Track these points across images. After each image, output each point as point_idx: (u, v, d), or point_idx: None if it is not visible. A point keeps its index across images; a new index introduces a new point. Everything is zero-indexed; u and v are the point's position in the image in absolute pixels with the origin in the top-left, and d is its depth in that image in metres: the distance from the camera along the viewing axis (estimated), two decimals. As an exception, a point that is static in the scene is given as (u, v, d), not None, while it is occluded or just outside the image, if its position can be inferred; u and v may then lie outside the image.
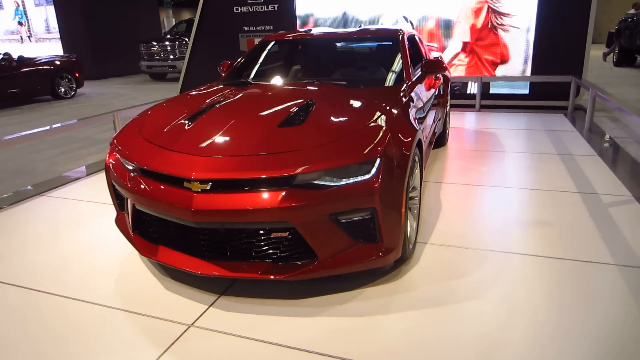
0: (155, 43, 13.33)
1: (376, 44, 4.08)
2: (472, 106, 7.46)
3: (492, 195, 3.76)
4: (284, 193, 2.13)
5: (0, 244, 3.08)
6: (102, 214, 3.54)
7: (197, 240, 2.31)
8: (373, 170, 2.21)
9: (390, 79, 3.38)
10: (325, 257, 2.24)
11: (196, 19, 8.80)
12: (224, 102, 2.97)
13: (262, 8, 8.41)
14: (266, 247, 2.28)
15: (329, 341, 2.05)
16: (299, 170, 2.14)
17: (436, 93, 4.17)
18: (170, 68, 13.22)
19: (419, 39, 4.54)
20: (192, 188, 2.18)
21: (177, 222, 2.29)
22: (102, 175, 4.49)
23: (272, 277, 2.22)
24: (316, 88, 3.25)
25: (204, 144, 2.36)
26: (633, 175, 4.22)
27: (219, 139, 2.41)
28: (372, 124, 2.44)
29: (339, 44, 4.16)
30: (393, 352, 1.98)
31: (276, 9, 8.33)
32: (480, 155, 4.92)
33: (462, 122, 6.62)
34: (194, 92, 3.50)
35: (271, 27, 8.44)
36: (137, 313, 2.28)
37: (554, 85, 7.31)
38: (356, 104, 2.83)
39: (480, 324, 2.15)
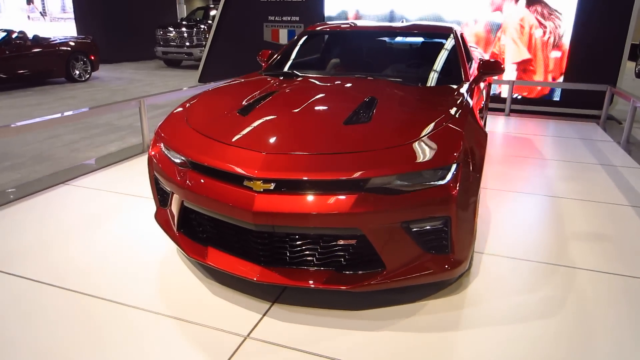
0: (172, 29, 13.14)
1: (428, 40, 3.90)
2: (502, 110, 7.27)
3: (538, 204, 3.60)
4: (355, 197, 1.97)
5: (28, 238, 2.91)
6: (134, 207, 3.38)
7: (253, 244, 2.15)
8: (449, 176, 2.06)
9: (448, 79, 3.20)
10: (393, 267, 2.08)
11: (220, 6, 8.60)
12: (277, 94, 2.80)
13: (288, -2, 8.22)
14: (329, 254, 2.11)
15: (389, 356, 1.89)
16: (374, 173, 1.98)
17: (484, 95, 4.00)
18: (187, 55, 13.04)
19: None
20: (254, 187, 2.02)
21: (231, 223, 2.13)
22: (127, 165, 4.34)
23: (336, 287, 2.05)
24: (373, 84, 3.09)
25: (266, 140, 2.19)
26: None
27: (281, 134, 2.25)
28: (444, 127, 2.27)
29: (387, 39, 3.98)
30: None
31: (304, 0, 8.13)
32: (519, 161, 4.75)
33: (494, 126, 6.43)
34: (240, 81, 3.33)
35: (297, 19, 8.25)
36: (186, 321, 2.13)
37: (586, 94, 7.12)
38: (421, 103, 2.67)
39: (557, 346, 1.99)
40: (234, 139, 2.23)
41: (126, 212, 3.30)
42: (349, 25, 4.01)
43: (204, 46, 12.66)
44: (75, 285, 2.39)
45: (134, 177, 4.00)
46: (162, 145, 2.49)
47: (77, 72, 10.60)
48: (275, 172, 2.01)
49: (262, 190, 2.00)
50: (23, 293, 2.32)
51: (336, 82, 3.15)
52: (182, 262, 2.62)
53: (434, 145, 2.13)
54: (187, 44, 13.05)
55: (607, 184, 4.10)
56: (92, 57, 10.83)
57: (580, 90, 7.12)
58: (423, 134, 2.19)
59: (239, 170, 2.05)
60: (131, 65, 14.64)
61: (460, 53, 3.39)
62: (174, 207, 2.40)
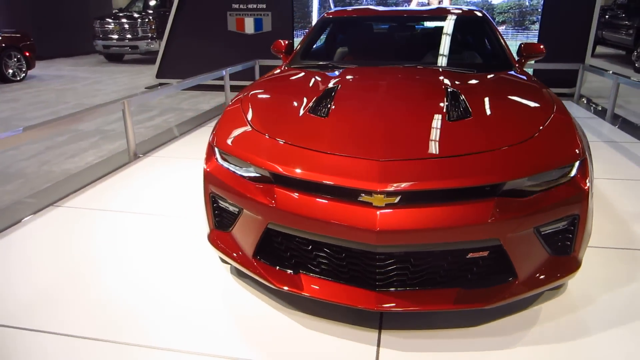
0: (111, 20, 12.11)
1: (461, 24, 3.69)
2: None
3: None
4: (493, 204, 1.73)
5: (54, 278, 2.42)
6: (155, 227, 2.94)
7: (365, 267, 1.84)
8: (574, 172, 1.88)
9: (501, 64, 3.02)
10: (524, 276, 1.88)
11: (177, -5, 7.95)
12: (341, 91, 2.47)
13: (254, -16, 7.74)
14: (454, 271, 1.86)
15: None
16: (510, 176, 1.75)
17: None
18: (131, 48, 12.10)
19: None
20: (374, 203, 1.71)
21: (337, 245, 1.82)
22: (119, 177, 3.81)
23: (472, 307, 1.81)
24: (436, 73, 2.86)
25: (373, 144, 1.89)
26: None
27: (385, 137, 1.95)
28: (554, 117, 2.08)
29: (416, 24, 3.72)
30: None
31: (270, -15, 7.69)
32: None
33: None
34: (276, 77, 2.96)
35: (264, 6, 7.80)
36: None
37: (556, 73, 7.28)
38: (508, 92, 2.47)
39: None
40: (331, 146, 1.91)
41: (150, 234, 2.86)
42: (373, 11, 3.71)
43: (151, 38, 11.90)
44: (124, 337, 1.98)
45: (133, 192, 3.51)
46: (221, 157, 2.12)
47: (11, 71, 9.49)
48: (398, 183, 1.71)
49: (384, 205, 1.71)
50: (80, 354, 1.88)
51: (397, 73, 2.88)
52: (248, 290, 2.27)
53: (555, 139, 1.94)
54: (129, 36, 12.10)
55: (624, 161, 4.15)
56: (27, 54, 9.74)
57: (550, 70, 7.26)
58: (539, 127, 1.98)
59: (354, 183, 1.74)
60: (67, 61, 13.42)
61: (499, 37, 3.22)
62: (246, 230, 2.05)
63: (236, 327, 2.02)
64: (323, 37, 3.62)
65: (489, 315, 2.04)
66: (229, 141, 2.13)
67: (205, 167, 2.17)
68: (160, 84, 8.33)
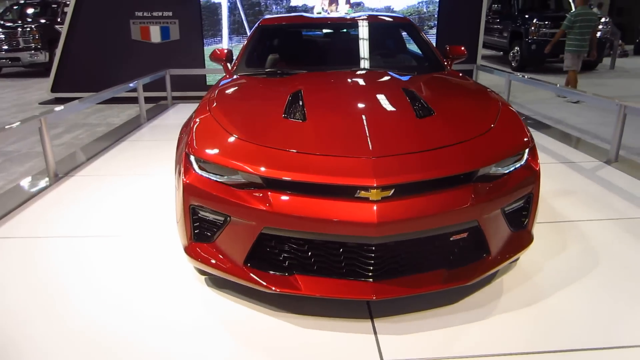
0: (-15, 31, 10.85)
1: (392, 29, 3.93)
2: None
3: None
4: (471, 190, 1.94)
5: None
6: (122, 251, 2.77)
7: (362, 260, 1.96)
8: (525, 157, 2.18)
9: (435, 66, 3.31)
10: (494, 252, 2.12)
11: (72, 2, 7.39)
12: (307, 94, 2.54)
13: (158, -9, 7.47)
14: (438, 254, 2.05)
15: (519, 339, 1.95)
16: (481, 163, 1.99)
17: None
18: (11, 61, 10.93)
19: None
20: (371, 197, 1.83)
21: (334, 241, 1.91)
22: (44, 202, 3.50)
23: (458, 284, 2.01)
24: (382, 75, 3.07)
25: (359, 143, 2.01)
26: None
27: (367, 136, 2.07)
28: (502, 109, 2.38)
29: (351, 30, 3.89)
30: (582, 335, 1.96)
31: (176, -8, 7.48)
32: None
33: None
34: (238, 84, 2.98)
35: (170, 14, 7.56)
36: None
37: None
38: (453, 89, 2.74)
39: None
40: (320, 148, 1.99)
41: (110, 256, 2.69)
42: (308, 19, 3.81)
43: (35, 49, 10.87)
44: None
45: (71, 215, 3.26)
46: (199, 167, 2.09)
47: None
48: (392, 177, 1.86)
49: (380, 198, 1.83)
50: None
51: (349, 77, 3.04)
52: (229, 298, 2.26)
53: (509, 129, 2.21)
54: (6, 47, 10.94)
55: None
56: None
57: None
58: (494, 120, 2.25)
59: (351, 181, 1.84)
60: None
61: (427, 41, 3.52)
62: (235, 238, 2.05)
63: (228, 333, 2.02)
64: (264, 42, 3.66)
65: (464, 292, 2.26)
66: (211, 150, 2.10)
67: (183, 179, 2.11)
68: (57, 99, 7.70)
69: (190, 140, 2.20)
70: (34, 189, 3.70)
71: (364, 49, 3.40)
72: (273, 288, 2.00)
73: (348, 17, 3.95)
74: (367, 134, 2.08)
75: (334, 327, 2.06)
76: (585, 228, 2.96)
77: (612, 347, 1.92)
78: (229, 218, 2.03)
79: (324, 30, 3.94)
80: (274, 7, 7.67)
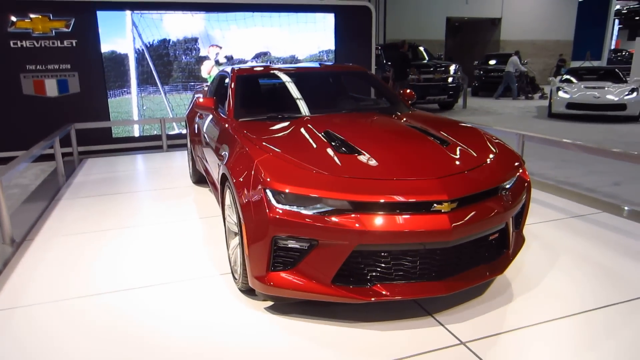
0: None
1: (358, 77, 4.49)
2: (160, 147, 7.70)
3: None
4: (502, 198, 2.55)
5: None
6: (156, 302, 2.78)
7: (432, 262, 2.41)
8: (519, 172, 2.85)
9: (402, 107, 3.96)
10: (511, 249, 2.73)
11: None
12: (340, 132, 2.98)
13: (53, 43, 7.12)
14: (480, 252, 2.60)
15: (537, 311, 2.59)
16: (505, 179, 2.63)
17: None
18: None
19: None
20: (443, 209, 2.32)
21: (413, 249, 2.35)
22: (22, 269, 3.27)
23: (497, 274, 2.59)
24: (376, 115, 3.70)
25: (417, 167, 2.49)
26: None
27: (417, 161, 2.59)
28: (495, 141, 3.06)
29: (321, 78, 4.35)
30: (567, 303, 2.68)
31: (75, 44, 7.21)
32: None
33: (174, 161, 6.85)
34: (263, 129, 3.27)
35: (69, 66, 7.24)
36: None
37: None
38: (441, 124, 3.37)
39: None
40: (391, 174, 2.43)
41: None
42: (281, 69, 4.20)
43: None
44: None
45: (51, 278, 3.12)
46: (276, 200, 2.36)
47: None
48: (457, 192, 2.38)
49: (450, 210, 2.33)
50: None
51: (353, 117, 3.62)
52: (301, 320, 2.52)
53: (507, 153, 2.91)
54: None
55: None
56: None
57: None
58: (493, 145, 2.93)
59: (427, 197, 2.31)
60: None
61: (386, 86, 4.21)
62: (323, 259, 2.34)
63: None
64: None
65: (485, 284, 2.83)
66: (292, 184, 2.37)
67: (268, 213, 2.35)
68: None
69: (264, 176, 2.44)
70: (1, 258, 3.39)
71: (339, 94, 3.91)
72: (361, 299, 2.33)
73: (317, 66, 4.46)
74: (420, 160, 2.59)
75: (406, 326, 2.46)
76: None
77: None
78: (316, 243, 2.32)
79: (302, 80, 4.38)
80: (183, 58, 7.84)
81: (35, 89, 7.18)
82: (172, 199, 4.80)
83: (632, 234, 3.65)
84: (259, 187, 2.42)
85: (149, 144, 7.84)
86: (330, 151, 2.70)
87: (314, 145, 2.81)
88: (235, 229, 2.87)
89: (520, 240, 2.91)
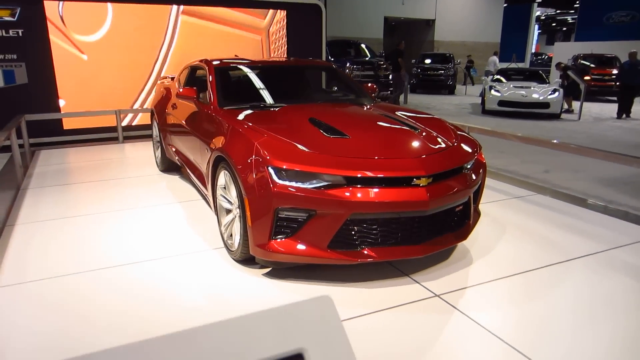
0: None
1: (328, 71, 4.86)
2: (115, 138, 7.73)
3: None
4: (468, 175, 3.06)
5: None
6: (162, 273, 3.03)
7: (411, 229, 2.86)
8: (476, 154, 3.37)
9: (369, 99, 4.41)
10: (471, 220, 3.26)
11: None
12: (324, 119, 3.36)
13: (-2, 32, 6.92)
14: (448, 221, 3.09)
15: (493, 271, 3.14)
16: (470, 158, 3.14)
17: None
18: None
19: None
20: (421, 184, 2.78)
21: (396, 217, 2.78)
22: (17, 248, 3.40)
23: (462, 240, 3.11)
24: (350, 105, 4.12)
25: (397, 149, 2.93)
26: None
27: (397, 144, 3.03)
28: (454, 127, 3.56)
29: (293, 72, 4.68)
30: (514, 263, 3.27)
31: (21, 34, 7.04)
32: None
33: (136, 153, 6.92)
34: (252, 114, 3.58)
35: (15, 56, 7.06)
36: (389, 308, 2.66)
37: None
38: (406, 113, 3.81)
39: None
40: (379, 153, 2.85)
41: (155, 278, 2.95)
42: (255, 62, 4.49)
43: None
44: None
45: (42, 257, 3.29)
46: (278, 177, 2.71)
47: None
48: (432, 169, 2.84)
49: (427, 184, 2.79)
50: None
51: (331, 107, 4.00)
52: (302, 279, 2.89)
53: (466, 138, 3.42)
54: None
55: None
56: None
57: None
58: (457, 132, 3.44)
59: (409, 173, 2.75)
60: None
61: (352, 79, 4.65)
62: (320, 227, 2.71)
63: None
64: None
65: (450, 249, 3.34)
66: (292, 162, 2.72)
67: (272, 188, 2.69)
68: None
69: (265, 156, 2.78)
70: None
71: (311, 86, 4.29)
72: (352, 260, 2.74)
73: (287, 61, 4.81)
74: (400, 143, 3.03)
75: (386, 284, 2.90)
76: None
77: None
78: (314, 212, 2.70)
79: (274, 72, 4.70)
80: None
81: (-18, 79, 6.94)
82: (144, 186, 4.97)
83: (561, 211, 4.33)
84: (262, 165, 2.76)
85: (103, 135, 7.80)
86: (319, 134, 3.08)
87: (303, 129, 3.18)
88: (229, 206, 3.18)
89: (477, 214, 3.44)
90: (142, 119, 8.12)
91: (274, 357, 0.52)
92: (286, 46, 9.15)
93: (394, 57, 13.08)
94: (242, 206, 2.89)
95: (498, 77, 13.34)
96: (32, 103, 7.22)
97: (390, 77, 12.99)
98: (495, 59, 17.42)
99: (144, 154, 6.55)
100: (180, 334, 0.52)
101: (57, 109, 7.50)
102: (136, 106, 8.10)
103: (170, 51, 8.17)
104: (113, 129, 7.73)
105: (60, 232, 3.70)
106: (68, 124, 7.64)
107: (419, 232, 2.90)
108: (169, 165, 5.34)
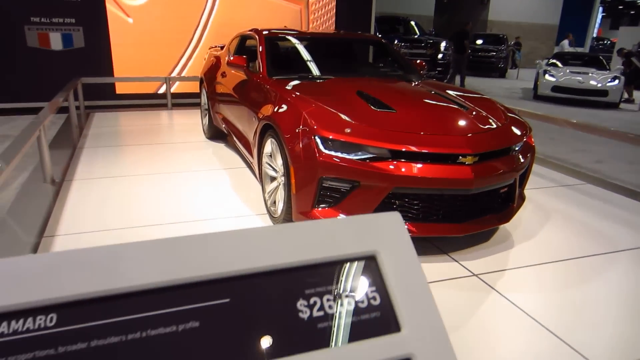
0: None
1: (379, 45, 4.86)
2: (164, 105, 7.99)
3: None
4: (514, 157, 3.03)
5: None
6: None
7: (453, 208, 2.88)
8: (525, 137, 3.32)
9: (419, 75, 4.38)
10: (516, 203, 3.23)
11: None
12: (371, 93, 3.36)
13: (58, -4, 7.22)
14: (492, 202, 3.08)
15: (537, 256, 3.11)
16: (519, 140, 3.09)
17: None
18: None
19: None
20: (467, 162, 2.78)
21: (439, 194, 2.80)
22: (67, 202, 3.63)
23: (505, 222, 3.09)
24: (404, 81, 4.10)
25: (446, 126, 2.94)
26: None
27: (446, 121, 3.04)
28: (504, 107, 3.51)
29: (339, 44, 4.72)
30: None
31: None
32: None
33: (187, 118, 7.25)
34: (300, 85, 3.63)
35: (73, 20, 7.36)
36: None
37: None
38: (454, 91, 3.78)
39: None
40: (425, 129, 2.86)
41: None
42: (305, 33, 4.55)
43: None
44: None
45: (103, 210, 3.48)
46: (325, 147, 2.76)
47: None
48: (477, 148, 2.83)
49: (473, 162, 2.79)
50: None
51: (380, 81, 4.00)
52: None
53: (516, 119, 3.37)
54: None
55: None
56: None
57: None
58: (504, 111, 3.39)
59: (455, 151, 2.76)
60: None
61: (403, 55, 4.62)
62: (362, 199, 2.77)
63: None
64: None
65: (491, 231, 3.34)
66: (340, 133, 2.78)
67: (317, 157, 2.76)
68: None
69: (312, 125, 2.84)
70: (48, 193, 3.73)
71: (360, 60, 4.30)
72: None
73: (337, 34, 4.83)
74: (449, 120, 3.03)
75: (425, 260, 2.94)
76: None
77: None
78: (357, 184, 2.76)
79: (324, 45, 4.74)
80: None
81: (39, 42, 7.28)
82: (191, 151, 5.15)
83: (611, 202, 4.21)
84: (309, 134, 2.83)
85: (152, 101, 8.06)
86: (366, 107, 3.11)
87: (351, 101, 3.21)
88: (274, 174, 3.28)
89: (522, 198, 3.41)
90: (185, 87, 8.25)
91: (351, 255, 0.60)
92: (334, 19, 9.09)
93: (459, 37, 12.74)
94: (287, 174, 2.98)
95: (554, 61, 12.82)
96: (88, 67, 7.53)
97: (451, 58, 12.68)
98: (567, 42, 16.65)
99: (191, 121, 6.75)
100: (270, 228, 0.62)
101: (111, 73, 7.80)
102: (175, 73, 8.23)
103: (211, 19, 8.25)
104: (162, 96, 7.98)
105: (112, 190, 3.91)
106: (120, 88, 7.94)
107: (460, 210, 2.92)
108: (215, 133, 5.50)
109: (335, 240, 0.61)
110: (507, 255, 3.08)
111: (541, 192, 4.37)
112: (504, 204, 3.19)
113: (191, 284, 0.53)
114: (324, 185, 2.82)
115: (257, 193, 3.78)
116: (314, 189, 2.83)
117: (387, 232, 0.66)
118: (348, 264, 0.62)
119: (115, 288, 0.48)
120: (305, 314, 0.57)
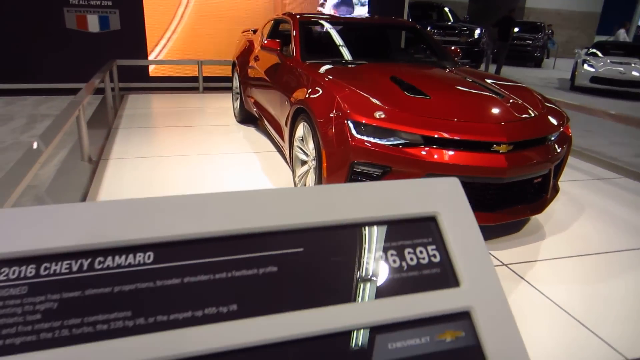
0: None
1: (400, 31, 4.86)
2: (196, 88, 8.09)
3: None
4: (550, 147, 2.99)
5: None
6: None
7: (486, 196, 2.87)
8: (562, 127, 3.26)
9: (453, 61, 4.34)
10: (549, 193, 3.19)
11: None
12: (406, 79, 3.36)
13: (97, -23, 7.37)
14: (525, 192, 3.05)
15: (569, 247, 3.07)
16: (556, 129, 3.04)
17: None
18: None
19: None
20: (501, 150, 2.76)
21: (471, 182, 2.80)
22: (111, 179, 3.75)
23: (538, 213, 3.06)
24: (438, 67, 4.07)
25: (481, 113, 2.92)
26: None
27: (480, 108, 3.01)
28: (541, 96, 3.45)
29: (373, 29, 4.73)
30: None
31: (118, -20, 7.47)
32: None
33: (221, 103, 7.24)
34: (335, 69, 3.64)
35: (110, 3, 7.51)
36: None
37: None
38: (489, 78, 3.74)
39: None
40: (458, 116, 2.85)
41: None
42: (339, 18, 4.56)
43: None
44: None
45: (144, 186, 3.59)
46: (357, 132, 2.78)
47: None
48: (512, 136, 2.81)
49: (507, 151, 2.77)
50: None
51: (415, 67, 3.99)
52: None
53: (553, 109, 3.31)
54: None
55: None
56: None
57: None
58: (543, 102, 3.34)
59: (489, 138, 2.74)
60: None
61: (436, 41, 4.57)
62: None
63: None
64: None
65: (522, 222, 3.31)
66: (371, 117, 2.80)
67: (350, 142, 2.79)
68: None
69: (345, 109, 2.87)
70: (85, 171, 3.87)
71: (393, 45, 4.28)
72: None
73: (370, 18, 4.82)
74: (484, 107, 3.01)
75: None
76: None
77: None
78: (389, 169, 2.78)
79: (357, 30, 4.74)
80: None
81: (77, 24, 7.47)
82: (223, 134, 5.25)
83: (650, 196, 4.12)
84: (342, 119, 2.85)
85: (185, 84, 8.19)
86: (399, 92, 3.11)
87: (384, 87, 3.22)
88: (305, 158, 3.32)
89: (555, 189, 3.37)
90: (216, 70, 8.19)
91: (413, 215, 0.65)
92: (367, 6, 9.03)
93: (505, 25, 12.32)
94: (318, 158, 3.02)
95: (594, 50, 12.41)
96: (123, 49, 7.70)
97: (489, 45, 12.41)
98: (623, 32, 15.70)
99: (223, 104, 6.84)
100: (340, 186, 0.68)
101: (146, 56, 7.96)
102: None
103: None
104: (194, 79, 8.09)
105: (147, 169, 4.04)
106: (154, 71, 8.10)
107: (493, 199, 2.91)
108: (246, 116, 5.58)
109: (399, 200, 0.67)
110: (538, 246, 3.06)
111: (576, 185, 4.30)
112: (537, 194, 3.15)
113: (270, 233, 0.59)
114: (355, 170, 2.85)
115: (287, 176, 3.83)
116: (345, 174, 2.86)
117: (446, 196, 0.71)
118: (410, 222, 0.68)
119: (204, 231, 0.54)
120: (371, 266, 0.62)
